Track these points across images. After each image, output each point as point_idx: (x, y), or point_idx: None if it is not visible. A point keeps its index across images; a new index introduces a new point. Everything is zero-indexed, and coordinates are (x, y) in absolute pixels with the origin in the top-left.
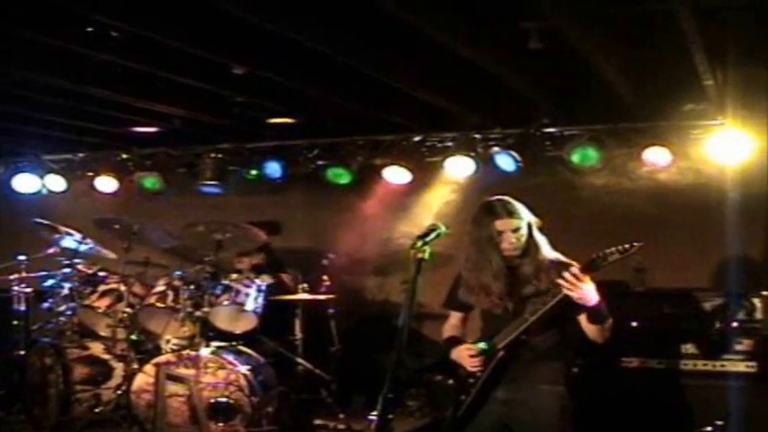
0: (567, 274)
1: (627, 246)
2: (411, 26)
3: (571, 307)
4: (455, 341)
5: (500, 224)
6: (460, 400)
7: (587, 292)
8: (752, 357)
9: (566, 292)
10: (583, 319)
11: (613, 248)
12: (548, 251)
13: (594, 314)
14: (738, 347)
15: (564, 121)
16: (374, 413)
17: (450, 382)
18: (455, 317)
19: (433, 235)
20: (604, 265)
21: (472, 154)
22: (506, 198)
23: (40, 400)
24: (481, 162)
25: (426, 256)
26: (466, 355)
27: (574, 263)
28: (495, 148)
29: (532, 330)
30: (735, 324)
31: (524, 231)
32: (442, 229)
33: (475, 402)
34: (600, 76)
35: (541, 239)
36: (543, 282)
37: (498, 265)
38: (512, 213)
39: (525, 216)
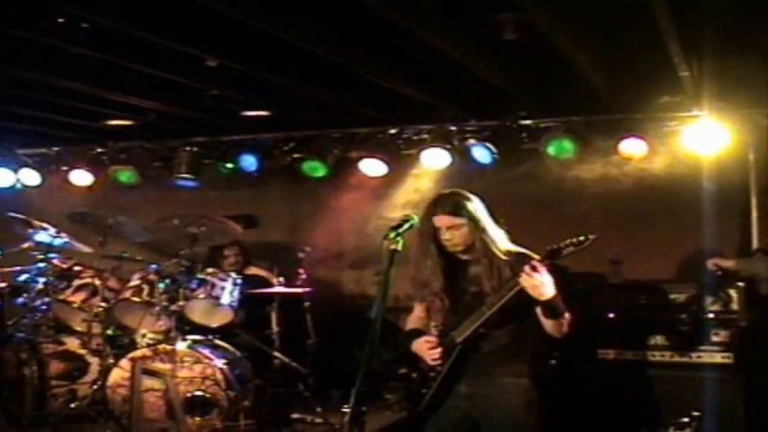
0: (526, 267)
1: (582, 238)
2: (385, 18)
3: (529, 300)
4: (417, 333)
5: (437, 220)
6: (422, 393)
7: (542, 285)
8: (728, 348)
9: (522, 284)
10: (539, 312)
11: (568, 240)
12: (504, 245)
13: (550, 308)
14: (715, 339)
15: (539, 114)
16: (347, 406)
17: (414, 375)
18: (419, 308)
19: (406, 226)
20: (560, 257)
21: (448, 146)
22: (458, 192)
23: (15, 395)
24: (457, 154)
25: (399, 247)
26: (425, 348)
27: (535, 255)
28: (471, 141)
29: (492, 324)
30: (711, 315)
31: (466, 229)
32: (416, 220)
33: (437, 396)
34: (575, 68)
35: (497, 234)
36: (495, 277)
37: (435, 261)
38: (455, 210)
39: (474, 213)
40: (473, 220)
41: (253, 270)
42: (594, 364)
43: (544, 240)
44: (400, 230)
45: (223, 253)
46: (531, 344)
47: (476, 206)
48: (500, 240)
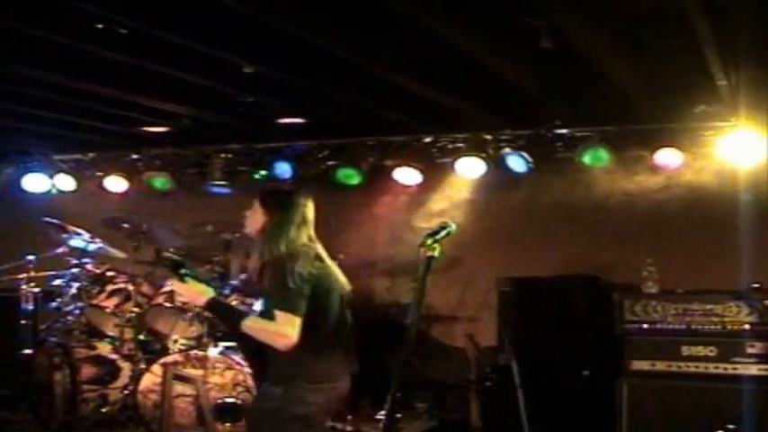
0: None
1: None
2: (421, 25)
3: None
4: None
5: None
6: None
7: (186, 294)
8: (765, 360)
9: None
10: None
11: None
12: (272, 250)
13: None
14: (751, 350)
15: (574, 123)
16: (382, 412)
17: None
18: None
19: (443, 233)
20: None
21: (483, 155)
22: (277, 185)
23: (46, 399)
24: (492, 163)
25: (436, 254)
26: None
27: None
28: (506, 149)
29: None
30: (747, 327)
31: (249, 221)
32: (452, 226)
33: None
34: (610, 77)
35: (273, 235)
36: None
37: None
38: (257, 197)
39: (265, 206)
40: (265, 212)
41: None
42: (627, 375)
43: (579, 248)
44: (437, 237)
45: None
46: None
47: (280, 203)
48: (272, 243)
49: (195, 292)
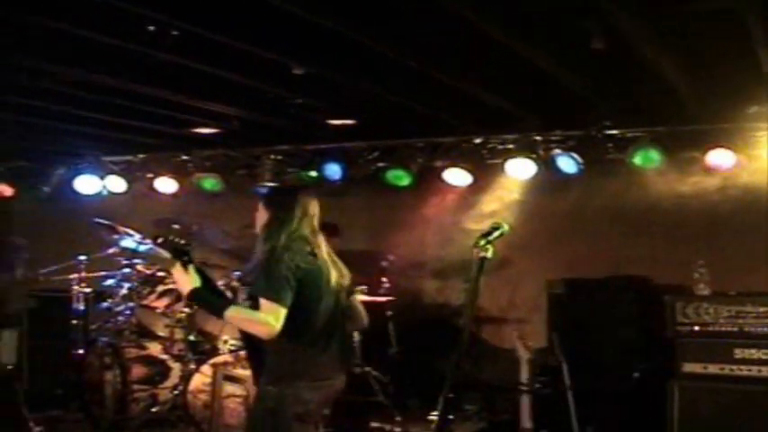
0: None
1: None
2: (471, 25)
3: None
4: None
5: None
6: None
7: (179, 281)
8: None
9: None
10: None
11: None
12: (270, 244)
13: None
14: None
15: (625, 123)
16: (434, 413)
17: None
18: None
19: (496, 233)
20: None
21: (533, 156)
22: (279, 186)
23: (97, 398)
24: (542, 164)
25: (489, 254)
26: None
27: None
28: (557, 150)
29: None
30: None
31: (257, 221)
32: (505, 227)
33: None
34: (661, 77)
35: (271, 231)
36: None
37: None
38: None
39: (267, 204)
40: (267, 210)
41: None
42: (679, 377)
43: (628, 249)
44: (490, 238)
45: None
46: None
47: (280, 201)
48: (258, 243)
49: (187, 281)
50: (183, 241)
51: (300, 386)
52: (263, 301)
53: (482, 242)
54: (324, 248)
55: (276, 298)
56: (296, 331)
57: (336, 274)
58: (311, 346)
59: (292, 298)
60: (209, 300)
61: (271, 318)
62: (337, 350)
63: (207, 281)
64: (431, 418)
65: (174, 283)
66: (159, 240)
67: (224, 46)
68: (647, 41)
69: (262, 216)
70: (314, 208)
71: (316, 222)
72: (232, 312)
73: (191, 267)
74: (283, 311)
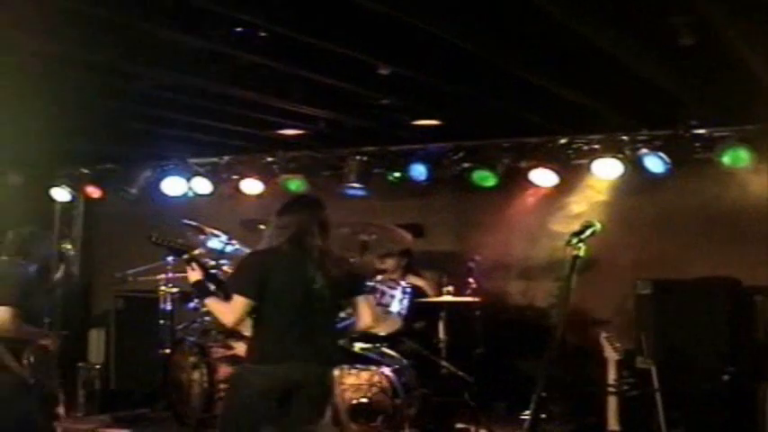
0: None
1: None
2: (558, 23)
3: None
4: None
5: None
6: None
7: (190, 275)
8: None
9: None
10: None
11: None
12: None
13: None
14: None
15: (712, 122)
16: (526, 412)
17: None
18: None
19: (588, 232)
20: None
21: (620, 156)
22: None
23: (184, 397)
24: (629, 164)
25: (581, 253)
26: None
27: None
28: (644, 150)
29: None
30: None
31: None
32: (597, 226)
33: None
34: (751, 74)
35: (267, 235)
36: None
37: None
38: None
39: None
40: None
41: (411, 279)
42: None
43: (718, 250)
44: (582, 236)
45: (383, 262)
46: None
47: (281, 208)
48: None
49: (190, 275)
50: (180, 240)
51: (246, 368)
52: (231, 294)
53: (574, 240)
54: (313, 249)
55: (239, 290)
56: (261, 321)
57: (314, 272)
58: (269, 332)
59: (254, 291)
60: (204, 289)
61: (232, 307)
62: (299, 340)
63: (211, 276)
64: (523, 417)
65: None
66: (153, 239)
67: (311, 47)
68: (739, 36)
69: None
70: (313, 211)
71: (309, 226)
72: (209, 300)
73: (194, 264)
74: (244, 301)
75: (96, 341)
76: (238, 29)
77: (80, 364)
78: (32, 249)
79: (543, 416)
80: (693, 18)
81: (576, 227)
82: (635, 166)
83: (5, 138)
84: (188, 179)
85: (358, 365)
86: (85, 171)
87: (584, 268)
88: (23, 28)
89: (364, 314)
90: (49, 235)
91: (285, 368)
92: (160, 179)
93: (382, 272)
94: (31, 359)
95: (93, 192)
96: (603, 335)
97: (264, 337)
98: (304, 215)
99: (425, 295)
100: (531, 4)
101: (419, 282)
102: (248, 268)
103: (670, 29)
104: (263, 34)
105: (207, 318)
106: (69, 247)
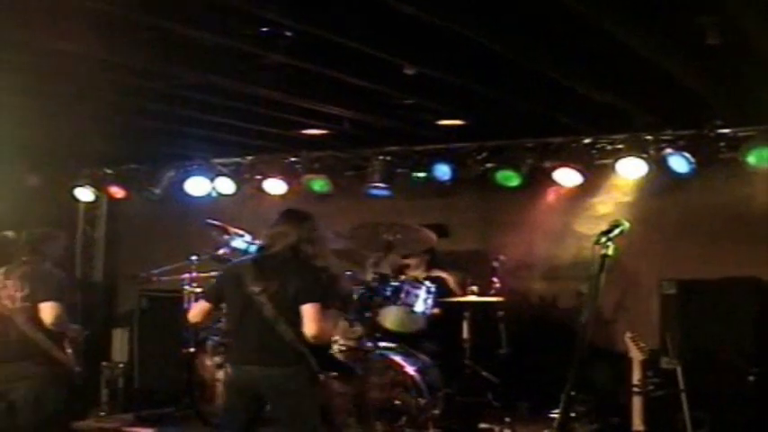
0: None
1: None
2: (585, 21)
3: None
4: None
5: None
6: None
7: None
8: None
9: None
10: None
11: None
12: None
13: None
14: None
15: (738, 122)
16: (555, 411)
17: None
18: None
19: (616, 231)
20: None
21: (644, 155)
22: None
23: (207, 396)
24: (654, 164)
25: (610, 252)
26: None
27: None
28: (668, 150)
29: None
30: None
31: None
32: (625, 225)
33: None
34: None
35: None
36: None
37: None
38: None
39: None
40: None
41: (435, 273)
42: None
43: (743, 250)
44: (611, 235)
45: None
46: None
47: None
48: None
49: None
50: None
51: (229, 363)
52: None
53: (603, 239)
54: (274, 260)
55: (203, 294)
56: (227, 320)
57: (259, 282)
58: (233, 335)
59: (214, 297)
60: None
61: (194, 308)
62: (246, 343)
63: None
64: (552, 415)
65: None
66: None
67: (336, 46)
68: (764, 37)
69: None
70: (296, 224)
71: (276, 239)
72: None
73: None
74: (202, 303)
75: (120, 340)
76: (264, 28)
77: (104, 363)
78: (46, 249)
79: (573, 414)
80: (720, 18)
81: (600, 227)
82: (659, 165)
83: (29, 138)
84: (211, 179)
85: (381, 365)
86: (109, 171)
87: (609, 268)
88: (48, 29)
89: (306, 324)
90: (63, 234)
91: (247, 370)
92: (183, 179)
93: (406, 267)
94: (69, 351)
95: (117, 192)
96: (628, 335)
97: (233, 337)
98: (279, 228)
99: (449, 289)
100: (560, 4)
101: (443, 274)
102: (217, 277)
103: (697, 29)
104: (288, 34)
105: None
106: None
